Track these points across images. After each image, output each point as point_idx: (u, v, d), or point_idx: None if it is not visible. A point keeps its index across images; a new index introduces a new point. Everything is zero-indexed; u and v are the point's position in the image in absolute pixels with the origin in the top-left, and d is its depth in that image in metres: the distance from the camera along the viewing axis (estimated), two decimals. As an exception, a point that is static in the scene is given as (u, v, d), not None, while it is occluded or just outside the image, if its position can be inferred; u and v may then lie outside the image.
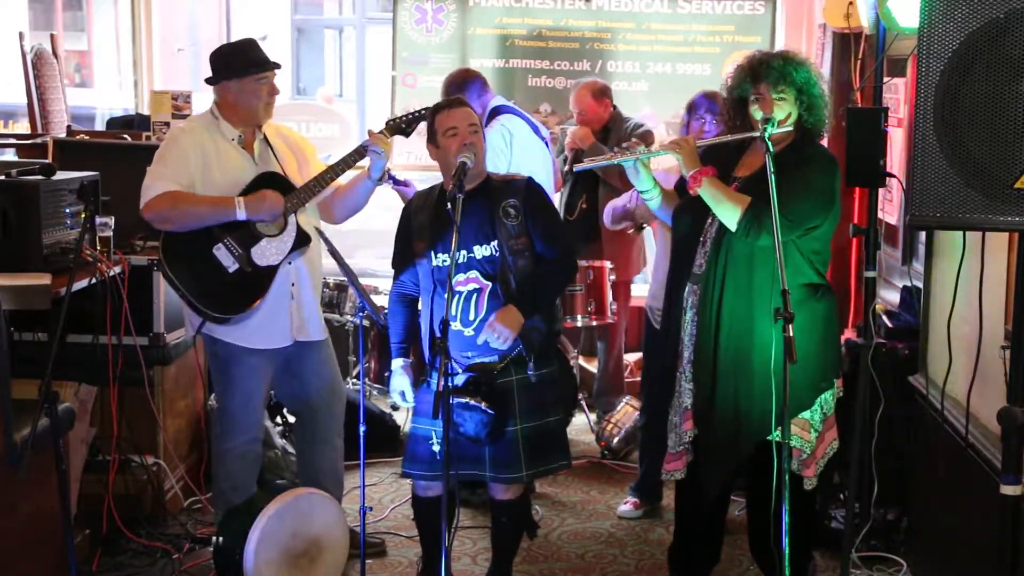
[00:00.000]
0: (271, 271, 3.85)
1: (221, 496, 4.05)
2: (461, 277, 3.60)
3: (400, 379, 3.73)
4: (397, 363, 3.75)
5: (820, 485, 3.60)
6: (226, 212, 3.76)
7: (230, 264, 3.80)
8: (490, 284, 3.60)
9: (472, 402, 3.49)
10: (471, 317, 3.60)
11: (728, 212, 3.38)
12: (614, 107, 5.81)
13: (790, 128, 3.44)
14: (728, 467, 3.58)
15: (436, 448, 3.62)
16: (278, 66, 3.95)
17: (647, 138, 5.60)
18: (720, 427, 3.48)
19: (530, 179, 3.76)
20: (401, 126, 4.02)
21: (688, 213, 3.58)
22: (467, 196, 3.47)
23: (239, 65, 3.88)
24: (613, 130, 5.69)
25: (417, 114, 4.01)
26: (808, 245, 3.43)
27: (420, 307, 3.78)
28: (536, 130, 5.22)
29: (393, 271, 3.83)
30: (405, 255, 3.76)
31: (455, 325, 3.58)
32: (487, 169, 3.76)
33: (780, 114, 3.42)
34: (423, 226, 3.68)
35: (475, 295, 3.60)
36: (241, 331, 3.90)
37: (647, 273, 6.06)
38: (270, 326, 3.93)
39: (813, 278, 3.46)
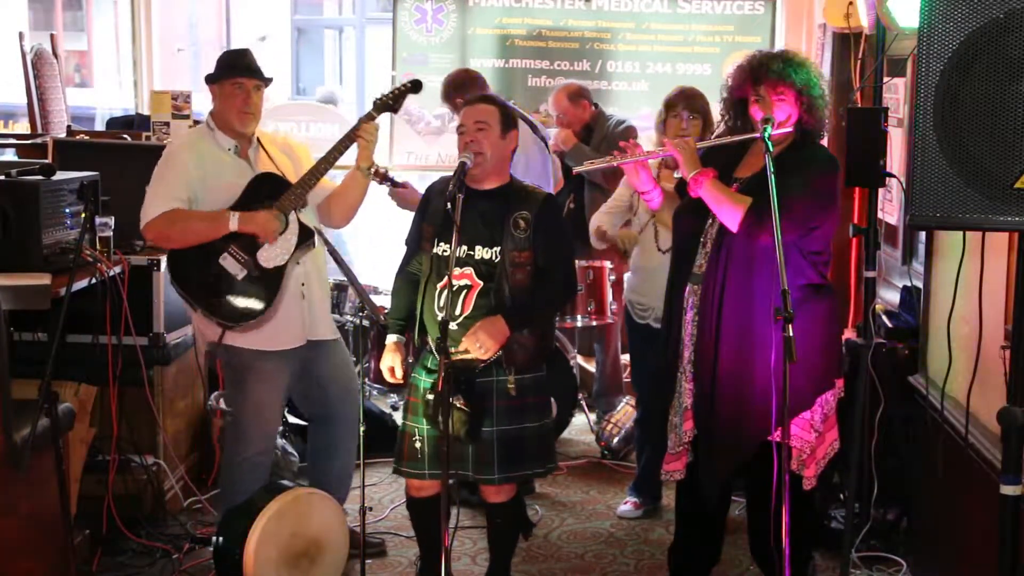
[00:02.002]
0: (280, 271, 3.86)
1: (228, 502, 4.03)
2: (456, 271, 3.59)
3: (392, 355, 3.72)
4: (391, 339, 3.75)
5: (820, 485, 3.60)
6: (220, 226, 3.79)
7: (238, 272, 3.81)
8: (482, 284, 3.59)
9: (450, 400, 3.48)
10: (457, 312, 3.58)
11: (729, 213, 3.38)
12: (595, 106, 5.83)
13: (790, 129, 3.44)
14: (729, 467, 3.57)
15: (418, 446, 3.62)
16: (259, 77, 3.92)
17: (628, 134, 5.63)
18: (721, 427, 3.48)
19: (549, 195, 3.75)
20: (388, 103, 4.00)
21: (689, 214, 3.58)
22: (483, 196, 3.50)
23: (220, 68, 3.92)
24: (596, 129, 5.73)
25: (403, 88, 3.99)
26: (809, 245, 3.43)
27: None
28: (536, 130, 5.23)
29: (406, 248, 3.85)
30: (417, 234, 3.77)
31: (440, 316, 3.57)
32: (513, 174, 3.74)
33: (780, 115, 3.42)
34: (436, 212, 3.68)
35: (465, 291, 3.59)
36: (257, 335, 3.90)
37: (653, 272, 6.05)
38: (283, 327, 3.93)
39: (814, 278, 3.46)
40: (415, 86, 3.97)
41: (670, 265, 3.70)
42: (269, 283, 3.84)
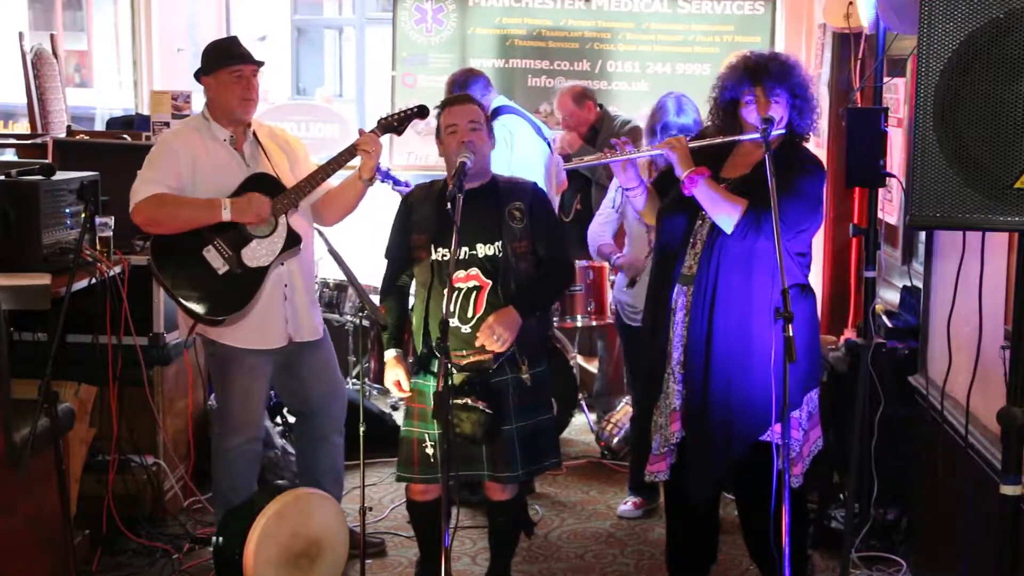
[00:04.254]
0: (262, 272, 3.84)
1: (221, 496, 4.05)
2: (462, 274, 3.60)
3: (395, 370, 3.71)
4: (390, 353, 3.73)
5: (820, 485, 3.60)
6: (212, 213, 3.75)
7: (220, 266, 3.79)
8: (491, 283, 3.60)
9: (470, 403, 3.49)
10: (469, 315, 3.60)
11: (725, 214, 3.37)
12: (600, 107, 5.83)
13: (783, 131, 3.44)
14: (719, 468, 3.56)
15: (429, 451, 3.62)
16: (255, 62, 3.92)
17: (635, 134, 5.63)
18: (711, 429, 3.46)
19: (535, 184, 3.78)
20: (393, 124, 4.00)
21: (676, 213, 3.54)
22: (475, 194, 3.49)
23: (214, 60, 3.90)
24: (602, 130, 5.75)
25: (409, 112, 4.00)
26: (794, 247, 3.43)
27: (413, 299, 3.78)
28: (538, 130, 5.23)
29: (387, 261, 3.83)
30: (401, 247, 3.75)
31: (452, 321, 3.58)
32: (491, 170, 3.75)
33: (773, 117, 3.41)
34: (425, 219, 3.68)
35: (475, 293, 3.60)
36: (235, 333, 3.90)
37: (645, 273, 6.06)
38: (265, 327, 3.93)
39: (800, 279, 3.47)
40: (422, 111, 3.96)
41: (653, 265, 3.69)
42: (247, 283, 3.81)
